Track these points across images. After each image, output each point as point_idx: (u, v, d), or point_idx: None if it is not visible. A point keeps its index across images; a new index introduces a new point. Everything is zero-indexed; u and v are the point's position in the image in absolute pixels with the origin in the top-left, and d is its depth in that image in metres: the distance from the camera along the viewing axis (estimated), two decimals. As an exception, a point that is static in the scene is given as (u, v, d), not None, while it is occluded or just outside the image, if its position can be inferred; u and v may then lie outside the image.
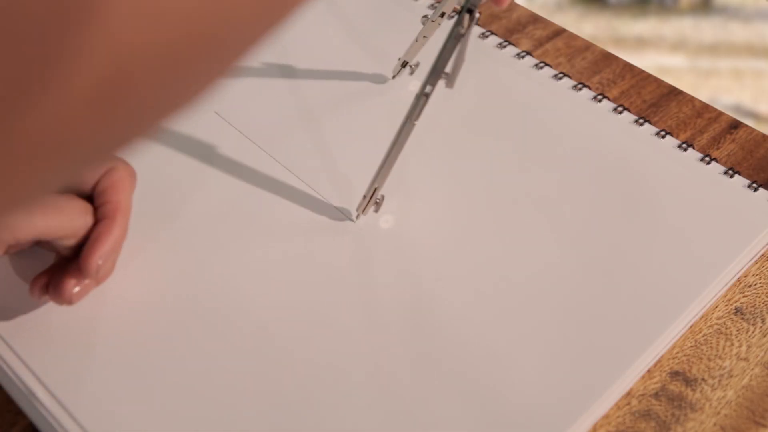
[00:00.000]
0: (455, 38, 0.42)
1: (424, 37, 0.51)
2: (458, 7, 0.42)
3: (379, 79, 0.55)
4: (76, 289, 0.39)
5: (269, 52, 0.57)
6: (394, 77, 0.55)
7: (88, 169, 0.36)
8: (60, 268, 0.40)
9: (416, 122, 0.43)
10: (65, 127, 0.18)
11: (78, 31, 0.17)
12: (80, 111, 0.18)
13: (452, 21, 0.42)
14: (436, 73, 0.42)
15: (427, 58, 0.45)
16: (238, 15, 0.20)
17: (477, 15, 0.42)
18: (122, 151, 0.21)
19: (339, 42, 0.58)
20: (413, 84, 0.54)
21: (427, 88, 0.42)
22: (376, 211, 0.46)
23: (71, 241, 0.39)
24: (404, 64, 0.54)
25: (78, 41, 0.17)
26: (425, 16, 0.50)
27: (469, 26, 0.42)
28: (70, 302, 0.39)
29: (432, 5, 0.61)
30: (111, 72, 0.17)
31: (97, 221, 0.40)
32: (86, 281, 0.40)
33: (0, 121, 0.17)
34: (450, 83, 0.43)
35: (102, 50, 0.17)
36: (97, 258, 0.39)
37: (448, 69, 0.43)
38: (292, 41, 0.57)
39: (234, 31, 0.20)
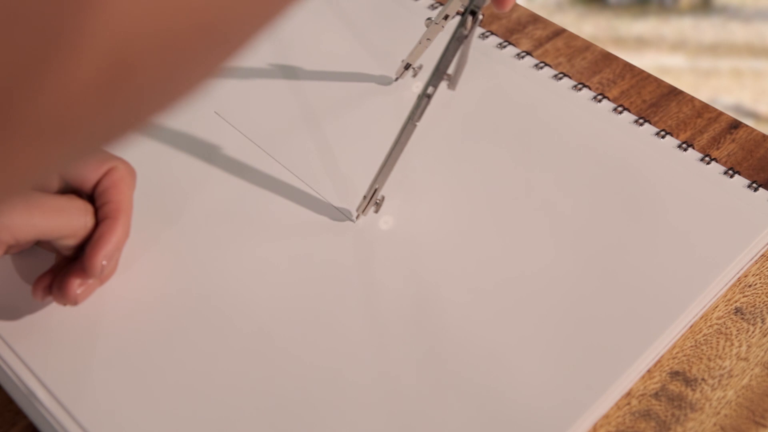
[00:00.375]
0: (458, 40, 0.42)
1: (428, 39, 0.51)
2: (462, 10, 0.42)
3: (380, 80, 0.55)
4: (81, 289, 0.39)
5: (269, 51, 0.57)
6: (397, 79, 0.55)
7: (87, 158, 0.36)
8: (62, 268, 0.40)
9: (417, 123, 0.43)
10: (65, 114, 0.18)
11: (78, 19, 0.17)
12: (80, 99, 0.18)
13: (456, 22, 0.42)
14: (438, 74, 0.42)
15: (430, 60, 0.45)
16: (238, 4, 0.20)
17: (480, 17, 0.42)
18: (121, 140, 0.21)
19: (339, 42, 0.58)
20: (416, 86, 0.55)
21: (429, 89, 0.42)
22: (376, 211, 0.46)
23: (71, 241, 0.39)
24: (407, 66, 0.54)
25: (78, 29, 0.17)
26: (429, 19, 0.50)
27: (472, 28, 0.42)
28: (75, 302, 0.39)
29: (432, 5, 0.61)
30: (110, 60, 0.17)
31: (99, 221, 0.40)
32: (90, 281, 0.40)
33: (0, 107, 0.17)
34: (452, 85, 0.43)
35: (102, 38, 0.17)
36: (101, 258, 0.39)
37: (450, 70, 0.43)
38: (292, 41, 0.57)
39: (235, 20, 0.20)
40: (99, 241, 0.39)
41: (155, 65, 0.19)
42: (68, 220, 0.39)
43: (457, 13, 0.48)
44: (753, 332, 0.44)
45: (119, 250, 0.40)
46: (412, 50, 0.53)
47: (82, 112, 0.18)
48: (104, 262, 0.39)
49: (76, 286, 0.39)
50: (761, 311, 0.45)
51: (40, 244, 0.42)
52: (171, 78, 0.20)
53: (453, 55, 0.42)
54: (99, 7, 0.17)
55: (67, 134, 0.19)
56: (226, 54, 0.21)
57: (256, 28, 0.22)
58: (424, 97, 0.43)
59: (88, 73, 0.17)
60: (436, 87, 0.42)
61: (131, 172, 0.42)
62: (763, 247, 0.47)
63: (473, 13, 0.42)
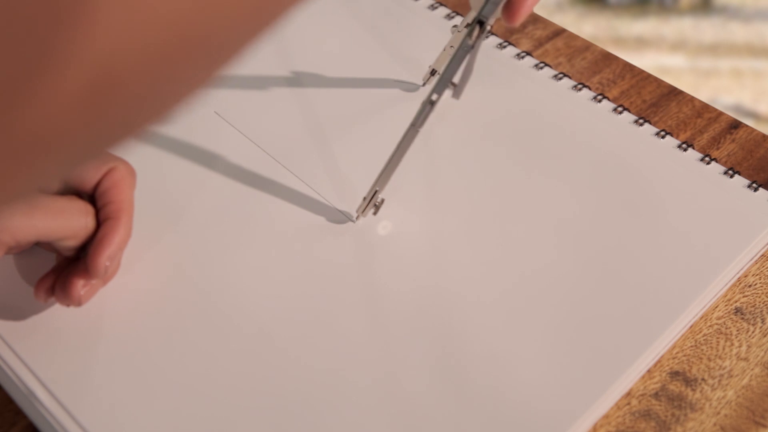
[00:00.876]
0: (464, 49, 0.42)
1: (451, 47, 0.51)
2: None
3: (385, 84, 0.55)
4: (84, 290, 0.39)
5: (270, 52, 0.57)
6: (424, 84, 0.55)
7: (78, 169, 0.36)
8: (63, 269, 0.40)
9: (420, 129, 0.43)
10: (52, 128, 0.18)
11: (66, 33, 0.17)
12: (67, 112, 0.18)
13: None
14: (443, 82, 0.43)
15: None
16: (229, 17, 0.20)
17: (488, 28, 0.42)
18: (113, 150, 0.21)
19: (341, 42, 0.58)
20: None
21: (434, 96, 0.43)
22: (375, 213, 0.46)
23: (72, 242, 0.39)
24: (433, 72, 0.54)
25: (66, 43, 0.17)
26: (455, 26, 0.51)
27: (478, 38, 0.42)
28: (79, 303, 0.39)
29: (432, 5, 0.61)
30: (99, 74, 0.17)
31: (101, 222, 0.40)
32: (93, 281, 0.40)
33: None
34: (457, 94, 0.43)
35: (90, 52, 0.17)
36: (105, 258, 0.39)
37: (455, 80, 0.43)
38: (293, 41, 0.57)
39: (225, 33, 0.20)
40: (102, 242, 0.39)
41: (145, 78, 0.19)
42: (69, 222, 0.39)
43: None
44: (753, 332, 0.44)
45: (122, 250, 0.41)
46: (438, 57, 0.53)
47: (70, 124, 0.18)
48: (108, 263, 0.39)
49: (79, 287, 0.39)
50: (761, 311, 0.45)
51: (41, 245, 0.42)
52: (161, 89, 0.20)
53: (459, 65, 0.43)
54: (87, 21, 0.17)
55: (55, 146, 0.19)
56: (219, 65, 0.21)
57: (249, 39, 0.21)
58: (428, 104, 0.43)
59: (76, 87, 0.17)
60: (440, 94, 0.43)
61: (131, 172, 0.42)
62: (763, 247, 0.47)
63: (481, 24, 0.42)
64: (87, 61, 0.17)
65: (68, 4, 0.16)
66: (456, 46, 0.50)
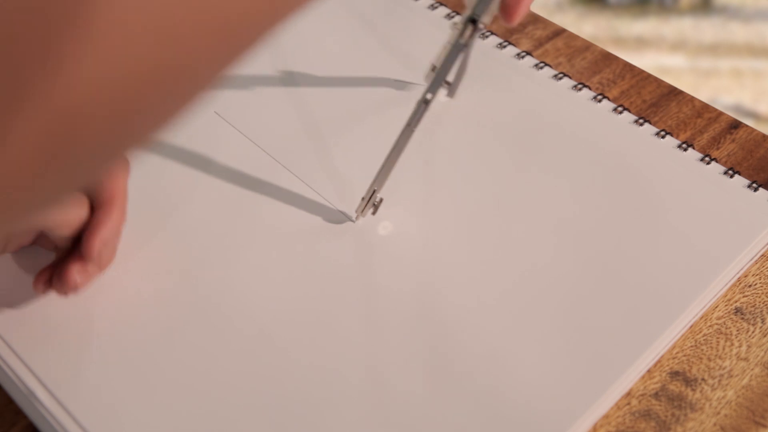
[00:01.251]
0: (456, 48, 0.42)
1: (450, 44, 0.51)
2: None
3: (385, 83, 0.55)
4: (80, 276, 0.39)
5: (270, 52, 0.57)
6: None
7: (52, 209, 0.36)
8: (61, 262, 0.40)
9: (415, 129, 0.43)
10: (17, 168, 0.18)
11: (34, 71, 0.16)
12: (34, 152, 0.18)
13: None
14: (437, 81, 0.42)
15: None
16: (200, 49, 0.19)
17: (480, 26, 0.42)
18: (87, 181, 0.21)
19: (341, 42, 0.58)
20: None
21: (428, 96, 0.42)
22: (374, 213, 0.46)
23: (66, 232, 0.40)
24: (433, 68, 0.54)
25: (34, 81, 0.17)
26: (455, 23, 0.51)
27: (471, 37, 0.42)
28: (75, 289, 0.39)
29: (432, 5, 0.61)
30: (66, 110, 0.17)
31: (95, 208, 0.40)
32: (89, 268, 0.40)
33: None
34: (451, 93, 0.43)
35: (56, 90, 0.17)
36: (98, 242, 0.39)
37: (449, 78, 0.43)
38: (293, 42, 0.57)
39: (197, 65, 0.20)
40: (96, 227, 0.39)
41: (113, 112, 0.18)
42: (62, 211, 0.39)
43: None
44: (753, 332, 0.44)
45: (117, 236, 0.41)
46: (439, 54, 0.53)
47: (36, 165, 0.18)
48: (101, 246, 0.39)
49: (75, 272, 0.39)
50: (761, 311, 0.45)
51: (39, 242, 0.42)
52: (132, 123, 0.20)
53: (452, 63, 0.43)
54: (55, 57, 0.17)
55: (22, 186, 0.18)
56: (191, 96, 0.21)
57: (223, 68, 0.21)
58: (423, 103, 0.43)
59: (43, 125, 0.17)
60: (434, 94, 0.43)
61: (125, 161, 0.42)
62: (763, 247, 0.47)
63: (473, 22, 0.42)
64: (52, 99, 0.17)
65: (36, 42, 0.16)
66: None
